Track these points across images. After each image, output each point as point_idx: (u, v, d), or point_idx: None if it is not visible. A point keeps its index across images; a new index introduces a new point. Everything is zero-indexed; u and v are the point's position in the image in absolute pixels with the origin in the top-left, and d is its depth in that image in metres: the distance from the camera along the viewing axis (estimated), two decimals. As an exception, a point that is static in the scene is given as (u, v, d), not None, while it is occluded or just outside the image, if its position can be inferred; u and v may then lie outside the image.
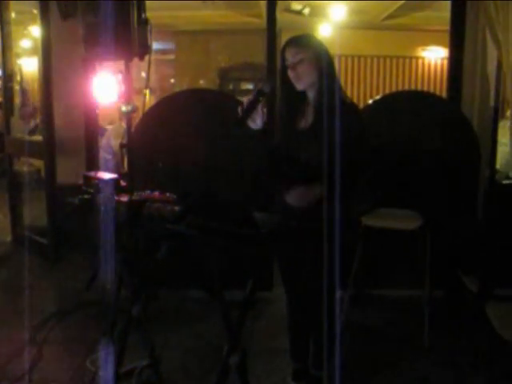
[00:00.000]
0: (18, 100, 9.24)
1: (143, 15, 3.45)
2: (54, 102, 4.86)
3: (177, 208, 2.21)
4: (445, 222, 3.87)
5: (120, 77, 3.46)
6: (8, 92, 5.36)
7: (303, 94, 2.58)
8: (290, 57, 2.50)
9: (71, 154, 5.07)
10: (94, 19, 3.26)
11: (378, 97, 4.52)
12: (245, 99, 2.47)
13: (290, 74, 2.51)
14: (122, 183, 2.56)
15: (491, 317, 3.36)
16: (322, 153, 2.39)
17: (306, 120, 2.57)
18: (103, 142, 6.46)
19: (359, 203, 3.27)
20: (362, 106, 8.27)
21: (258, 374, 3.01)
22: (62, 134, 4.96)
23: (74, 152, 5.08)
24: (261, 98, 2.45)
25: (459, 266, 3.98)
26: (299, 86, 2.52)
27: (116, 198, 2.40)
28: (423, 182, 3.92)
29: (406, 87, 10.99)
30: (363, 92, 11.08)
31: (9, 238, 5.62)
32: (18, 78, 7.40)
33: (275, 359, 3.25)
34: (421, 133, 3.97)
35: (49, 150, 4.75)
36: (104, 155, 6.17)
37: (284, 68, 2.54)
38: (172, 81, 12.85)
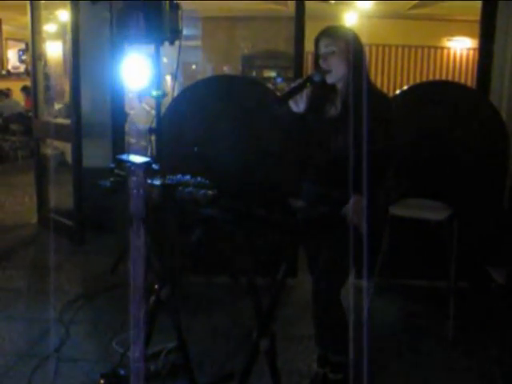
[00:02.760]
0: (43, 84, 9.32)
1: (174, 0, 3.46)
2: (82, 85, 4.90)
3: (210, 192, 2.22)
4: (472, 213, 3.84)
5: (149, 61, 3.45)
6: (36, 76, 5.41)
7: (334, 83, 2.59)
8: (323, 47, 2.53)
9: (96, 138, 5.12)
10: (125, 3, 3.27)
11: (405, 87, 4.48)
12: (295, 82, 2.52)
13: (322, 64, 2.54)
14: (155, 167, 2.58)
15: (518, 310, 3.35)
16: (350, 142, 2.40)
17: (336, 109, 2.60)
18: (128, 126, 6.47)
19: (387, 192, 3.26)
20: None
21: (283, 360, 3.03)
22: (88, 118, 5.01)
23: (100, 135, 5.13)
24: (308, 85, 2.50)
25: (486, 258, 3.95)
26: (329, 79, 2.54)
27: (149, 181, 2.42)
28: (451, 172, 3.89)
29: (431, 77, 10.92)
30: (387, 81, 11.02)
31: (34, 220, 5.71)
32: (42, 62, 7.44)
33: (300, 345, 3.28)
34: (449, 123, 3.93)
35: (76, 133, 4.80)
36: (128, 139, 6.18)
37: (317, 56, 2.57)
38: (193, 67, 12.85)
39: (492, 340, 3.35)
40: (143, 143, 6.08)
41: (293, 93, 2.49)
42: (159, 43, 3.45)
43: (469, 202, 3.84)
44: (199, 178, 2.42)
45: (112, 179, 2.63)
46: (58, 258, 4.63)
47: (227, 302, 3.79)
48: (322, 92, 2.59)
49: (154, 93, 3.51)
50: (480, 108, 3.96)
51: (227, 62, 11.55)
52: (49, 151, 5.99)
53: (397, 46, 10.99)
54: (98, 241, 5.02)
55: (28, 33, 5.32)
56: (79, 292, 4.01)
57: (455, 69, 11.24)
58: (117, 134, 5.06)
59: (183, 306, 3.39)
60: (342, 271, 2.54)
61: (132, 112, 7.26)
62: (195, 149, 2.71)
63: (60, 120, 5.55)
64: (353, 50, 2.50)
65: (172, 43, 3.53)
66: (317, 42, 2.56)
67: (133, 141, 6.37)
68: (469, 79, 10.53)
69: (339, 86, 2.58)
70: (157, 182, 2.39)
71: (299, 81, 2.52)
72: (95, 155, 5.04)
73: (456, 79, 10.76)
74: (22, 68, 15.10)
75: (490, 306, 3.75)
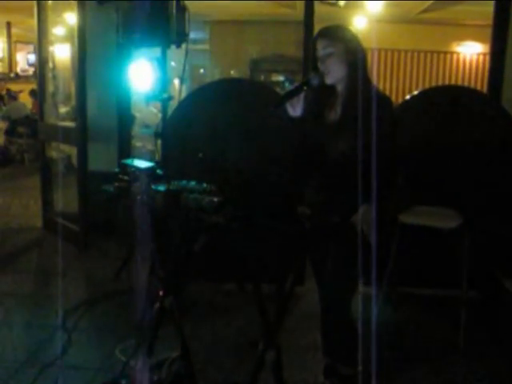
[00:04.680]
0: (50, 87, 9.33)
1: (181, 2, 3.41)
2: (88, 88, 4.86)
3: (215, 199, 2.16)
4: (484, 221, 3.75)
5: (155, 64, 3.40)
6: (42, 79, 5.37)
7: (333, 86, 2.51)
8: (321, 48, 2.44)
9: (103, 141, 5.08)
10: (131, 5, 3.23)
11: (415, 92, 4.42)
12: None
13: (320, 66, 2.45)
14: (159, 172, 2.52)
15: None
16: (351, 146, 2.33)
17: (336, 112, 2.51)
18: (135, 129, 6.42)
19: (397, 199, 3.19)
20: (396, 100, 8.13)
21: (289, 370, 2.95)
22: (94, 121, 4.96)
23: (106, 139, 5.08)
24: (305, 88, 2.41)
25: (498, 267, 3.87)
26: (328, 80, 2.45)
27: (153, 187, 2.36)
28: (462, 179, 3.80)
29: (441, 82, 10.83)
30: (396, 86, 10.95)
31: (39, 224, 5.66)
32: (51, 64, 7.46)
33: (306, 355, 3.21)
34: (461, 129, 3.85)
35: (82, 136, 4.75)
36: (134, 143, 6.14)
37: (315, 58, 2.49)
38: (201, 71, 12.81)
39: (504, 352, 3.27)
40: (150, 147, 6.04)
41: (288, 96, 2.40)
42: (166, 46, 3.42)
43: (481, 209, 3.76)
44: (205, 184, 2.36)
45: (116, 184, 2.58)
46: (61, 263, 4.58)
47: (234, 310, 3.72)
48: (321, 96, 2.51)
49: (161, 96, 3.48)
50: (492, 114, 3.88)
51: (235, 66, 11.51)
52: (55, 154, 5.95)
53: (406, 51, 10.92)
54: (103, 245, 4.97)
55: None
56: (82, 298, 3.96)
57: (465, 74, 11.15)
58: (123, 138, 5.02)
59: (189, 313, 3.35)
60: (351, 283, 2.46)
61: (138, 115, 7.23)
62: (200, 155, 2.65)
63: (66, 123, 5.50)
64: (352, 51, 2.42)
65: (178, 46, 3.50)
66: (314, 43, 2.47)
67: (139, 144, 6.33)
68: (478, 85, 10.45)
69: (339, 88, 2.49)
70: (161, 188, 2.33)
71: (296, 84, 2.44)
72: (101, 159, 4.99)
73: (465, 85, 10.67)
74: (31, 71, 15.17)
75: (501, 317, 3.66)
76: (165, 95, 3.44)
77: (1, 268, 4.52)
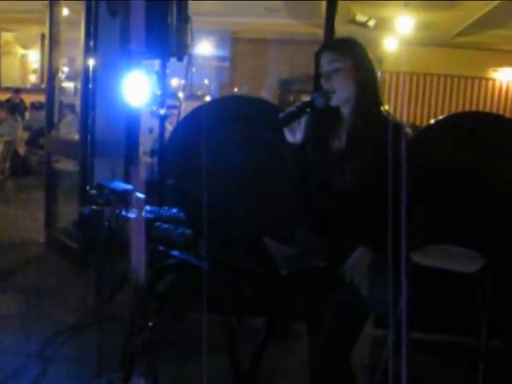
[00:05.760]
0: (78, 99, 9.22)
1: (184, 12, 3.18)
2: (99, 101, 4.65)
3: (188, 232, 1.88)
4: (508, 264, 3.39)
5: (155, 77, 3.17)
6: (51, 90, 5.21)
7: (337, 109, 2.19)
8: (326, 64, 2.12)
9: (109, 157, 4.85)
10: (128, 13, 3.02)
11: (440, 117, 4.09)
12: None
13: (324, 84, 2.13)
14: (137, 196, 2.26)
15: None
16: (357, 180, 2.04)
17: (340, 141, 2.18)
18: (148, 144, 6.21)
19: (409, 237, 2.85)
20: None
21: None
22: (101, 135, 4.74)
23: (113, 154, 4.85)
24: (308, 110, 2.10)
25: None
26: (332, 101, 2.13)
27: (124, 213, 2.10)
28: (487, 216, 3.45)
29: (475, 109, 10.43)
30: (427, 112, 10.58)
31: (42, 239, 5.46)
32: (80, 77, 7.34)
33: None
34: (488, 159, 3.51)
35: (84, 151, 4.53)
36: (146, 159, 5.92)
37: (318, 76, 2.18)
38: (236, 90, 12.60)
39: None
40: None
41: (288, 120, 2.09)
42: (164, 58, 3.19)
43: (505, 251, 3.39)
44: (182, 213, 2.09)
45: (89, 207, 2.34)
46: (56, 283, 4.37)
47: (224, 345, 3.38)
48: (325, 119, 2.18)
49: (159, 111, 3.25)
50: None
51: (260, 85, 11.28)
52: (69, 167, 5.77)
53: (439, 76, 10.55)
54: (104, 266, 4.72)
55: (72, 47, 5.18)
56: (70, 322, 3.69)
57: (500, 102, 10.72)
58: (130, 154, 4.79)
59: (175, 347, 3.06)
60: (347, 341, 2.12)
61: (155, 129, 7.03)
62: (167, 181, 2.39)
63: (71, 137, 5.34)
64: (362, 67, 2.11)
65: (180, 60, 3.26)
66: (318, 57, 2.15)
67: (150, 160, 6.10)
68: (515, 114, 10.05)
69: (345, 111, 2.16)
70: (132, 215, 2.06)
71: (298, 104, 2.12)
72: (107, 175, 4.76)
73: (501, 113, 10.25)
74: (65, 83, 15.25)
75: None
76: (162, 111, 3.20)
77: (-8, 286, 4.31)
